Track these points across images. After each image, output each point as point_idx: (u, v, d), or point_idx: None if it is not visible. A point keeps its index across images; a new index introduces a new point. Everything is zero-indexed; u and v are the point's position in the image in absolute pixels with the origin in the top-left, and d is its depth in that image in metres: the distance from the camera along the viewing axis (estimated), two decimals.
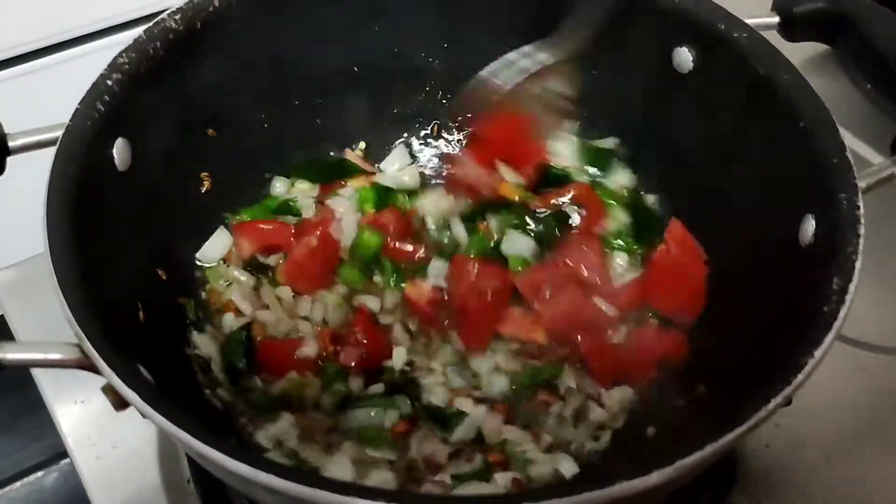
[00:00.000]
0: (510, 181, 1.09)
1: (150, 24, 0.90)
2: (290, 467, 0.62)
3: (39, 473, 1.69)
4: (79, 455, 0.98)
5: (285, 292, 1.03)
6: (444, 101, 1.18)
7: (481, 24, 1.10)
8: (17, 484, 1.68)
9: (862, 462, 0.99)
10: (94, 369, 0.66)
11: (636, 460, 0.82)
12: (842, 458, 0.99)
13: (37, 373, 1.03)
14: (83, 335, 0.66)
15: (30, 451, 1.70)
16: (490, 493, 0.85)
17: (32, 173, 0.78)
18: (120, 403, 0.67)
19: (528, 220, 1.08)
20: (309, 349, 0.98)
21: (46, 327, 1.01)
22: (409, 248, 1.06)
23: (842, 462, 0.98)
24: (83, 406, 1.01)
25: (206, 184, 1.03)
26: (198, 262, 1.03)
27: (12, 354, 0.67)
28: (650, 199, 1.10)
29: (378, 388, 0.96)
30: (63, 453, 1.59)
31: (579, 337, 0.98)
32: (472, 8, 1.08)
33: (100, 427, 0.99)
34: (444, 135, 1.20)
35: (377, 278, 1.05)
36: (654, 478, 0.60)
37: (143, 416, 0.64)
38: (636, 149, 1.11)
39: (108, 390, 0.67)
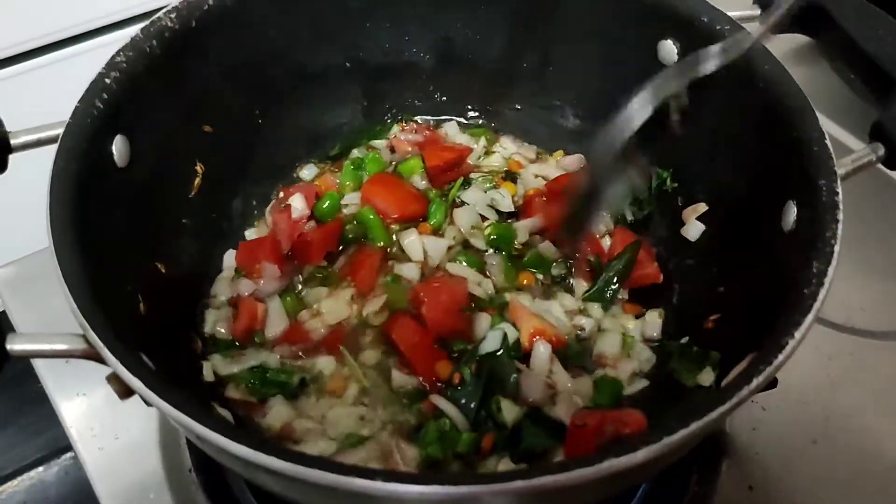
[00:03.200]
0: None
1: (147, 22, 0.92)
2: (290, 450, 0.64)
3: (40, 469, 1.69)
4: (82, 446, 1.00)
5: None
6: (435, 96, 1.21)
7: (471, 19, 1.12)
8: (18, 479, 1.69)
9: (847, 443, 1.01)
10: (98, 359, 0.68)
11: None
12: (827, 439, 1.01)
13: (39, 367, 1.05)
14: (88, 325, 0.68)
15: (30, 447, 1.70)
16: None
17: (34, 170, 0.80)
18: (124, 392, 0.69)
19: None
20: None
21: (47, 322, 1.03)
22: None
23: (827, 444, 1.01)
24: (85, 398, 1.03)
25: (198, 178, 1.04)
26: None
27: (20, 345, 0.69)
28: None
29: None
30: (64, 448, 1.60)
31: None
32: (461, 4, 1.10)
33: (102, 419, 1.01)
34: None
35: None
36: (641, 455, 0.62)
37: (147, 402, 0.66)
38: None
39: (113, 379, 0.69)
